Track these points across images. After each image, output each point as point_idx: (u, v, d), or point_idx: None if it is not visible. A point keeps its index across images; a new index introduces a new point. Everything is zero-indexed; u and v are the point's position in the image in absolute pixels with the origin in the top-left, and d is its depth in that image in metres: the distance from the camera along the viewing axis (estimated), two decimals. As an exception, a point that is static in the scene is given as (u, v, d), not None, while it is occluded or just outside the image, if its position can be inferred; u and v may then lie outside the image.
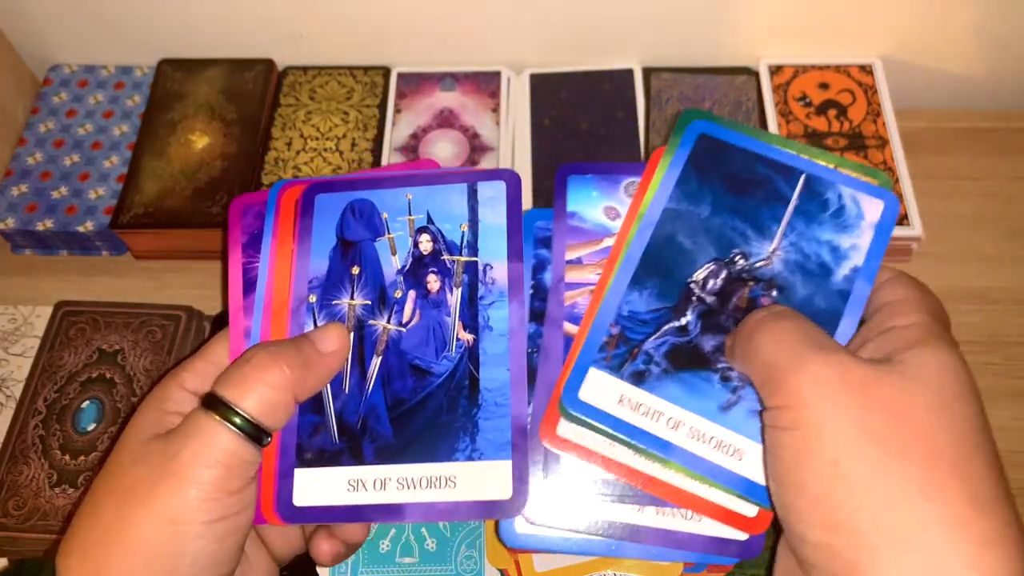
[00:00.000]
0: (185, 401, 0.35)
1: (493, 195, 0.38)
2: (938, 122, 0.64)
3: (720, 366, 0.35)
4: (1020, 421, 0.51)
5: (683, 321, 0.36)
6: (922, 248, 0.57)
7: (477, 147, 0.60)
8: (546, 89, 0.63)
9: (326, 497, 0.34)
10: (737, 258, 0.37)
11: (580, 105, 0.62)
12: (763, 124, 0.60)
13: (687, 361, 0.36)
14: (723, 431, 0.34)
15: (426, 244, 0.38)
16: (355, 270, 0.37)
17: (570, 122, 0.61)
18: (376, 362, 0.36)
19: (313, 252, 0.38)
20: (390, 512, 0.34)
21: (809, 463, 0.27)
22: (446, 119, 0.61)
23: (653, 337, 0.36)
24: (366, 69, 0.65)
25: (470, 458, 0.35)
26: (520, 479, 0.35)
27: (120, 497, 0.31)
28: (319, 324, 0.37)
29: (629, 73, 0.63)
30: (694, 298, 0.37)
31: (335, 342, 0.35)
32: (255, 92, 0.63)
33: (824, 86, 0.61)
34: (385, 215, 0.38)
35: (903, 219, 0.55)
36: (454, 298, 0.37)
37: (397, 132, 0.61)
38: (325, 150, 0.61)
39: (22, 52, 0.67)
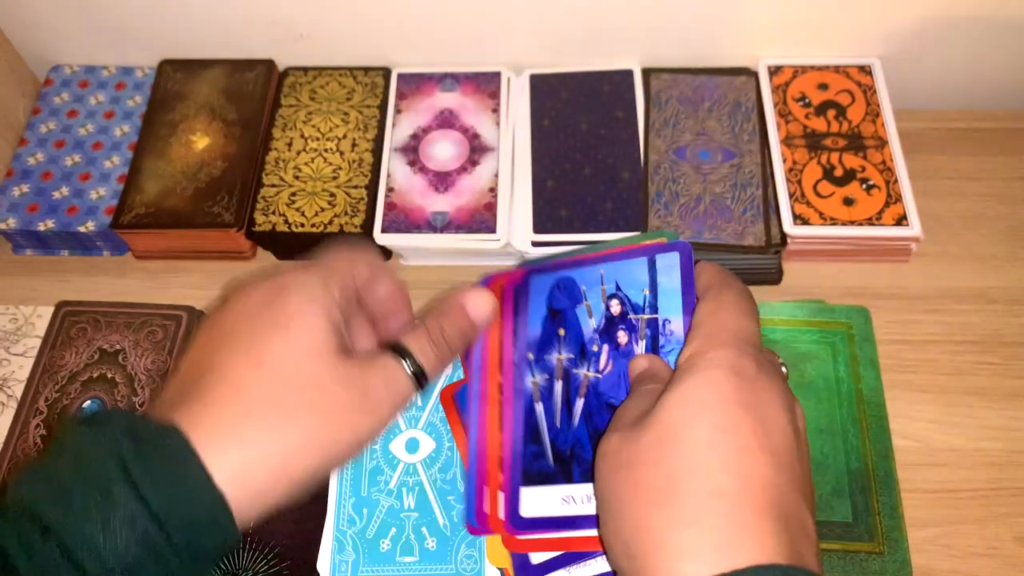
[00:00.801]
0: (342, 320, 0.37)
1: (669, 264, 0.44)
2: (937, 122, 0.64)
3: None
4: (1019, 421, 0.51)
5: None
6: (921, 248, 0.57)
7: (477, 147, 0.60)
8: (546, 89, 0.63)
9: (546, 510, 0.41)
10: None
11: (580, 105, 0.62)
12: (762, 124, 0.60)
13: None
14: None
15: (616, 307, 0.45)
16: (561, 332, 0.46)
17: (570, 122, 0.61)
18: (580, 403, 0.44)
19: (531, 322, 0.47)
20: (596, 521, 0.39)
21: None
22: (446, 119, 0.62)
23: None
24: (366, 70, 0.65)
25: None
26: None
27: (314, 406, 0.34)
28: (533, 372, 0.45)
29: (629, 74, 0.63)
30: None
31: (486, 311, 0.42)
32: (256, 93, 0.63)
33: (823, 86, 0.61)
34: (583, 287, 0.46)
35: (902, 219, 0.55)
36: (639, 348, 0.43)
37: (397, 132, 0.61)
38: (326, 150, 0.61)
39: (23, 52, 0.67)
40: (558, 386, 0.44)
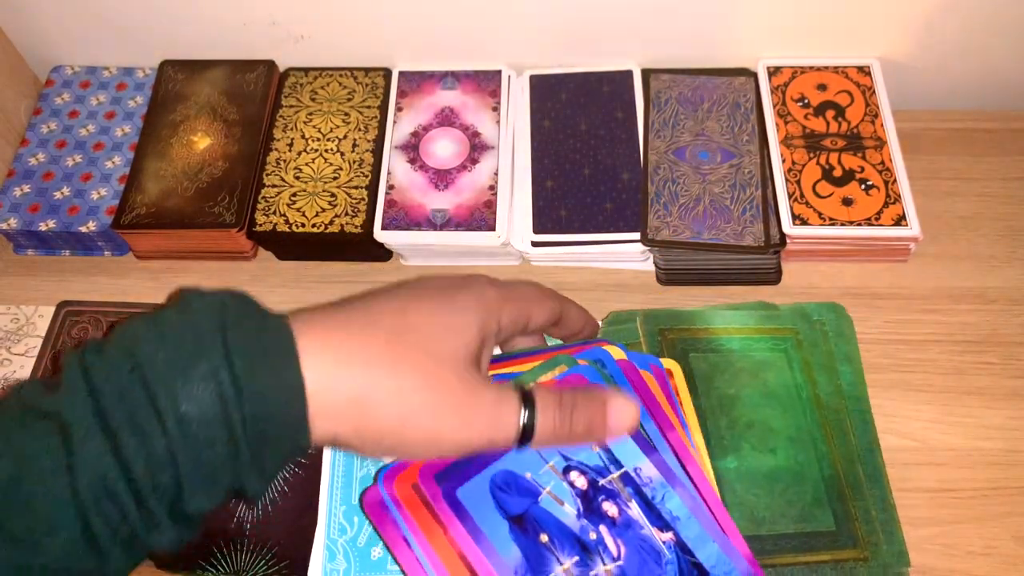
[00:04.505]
0: (492, 338, 0.38)
1: None
2: (936, 123, 0.64)
3: None
4: (1018, 421, 0.51)
5: None
6: (920, 248, 0.57)
7: (477, 146, 0.60)
8: (546, 90, 0.63)
9: None
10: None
11: (580, 106, 0.62)
12: (761, 125, 0.60)
13: None
14: None
15: (579, 480, 0.39)
16: (544, 538, 0.38)
17: (570, 122, 0.61)
18: None
19: (498, 546, 0.38)
20: None
21: None
22: (447, 117, 0.62)
23: None
24: (367, 70, 0.65)
25: None
26: None
27: (425, 383, 0.34)
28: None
29: (628, 74, 0.63)
30: None
31: (625, 425, 0.38)
32: (256, 93, 0.64)
33: (822, 87, 0.61)
34: (527, 474, 0.39)
35: (901, 219, 0.55)
36: (635, 511, 0.38)
37: (398, 130, 0.61)
38: (326, 151, 0.61)
39: (24, 53, 0.67)
40: None
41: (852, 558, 0.45)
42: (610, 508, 0.38)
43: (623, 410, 0.38)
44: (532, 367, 0.41)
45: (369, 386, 0.33)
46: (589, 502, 0.39)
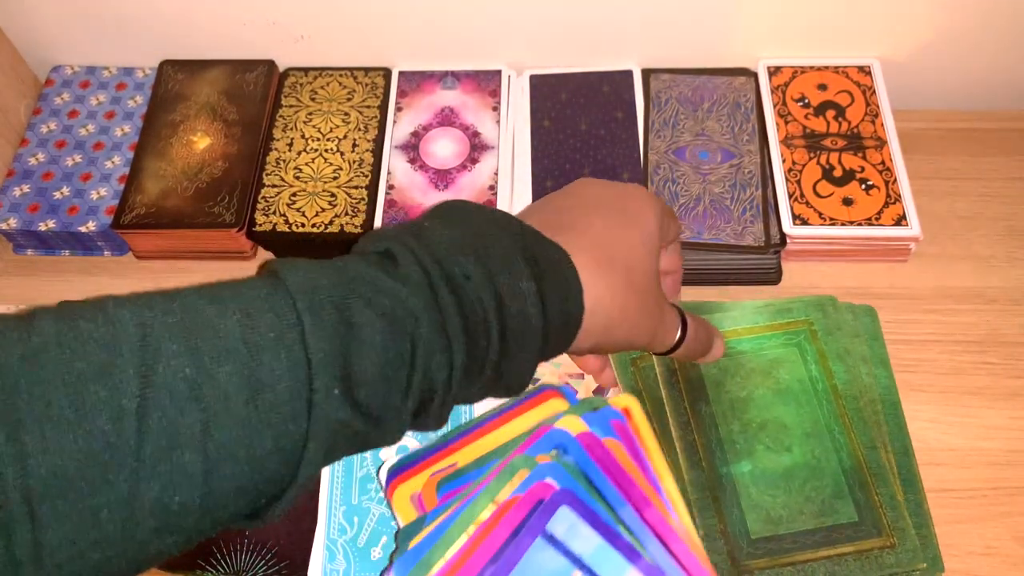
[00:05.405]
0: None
1: (568, 524, 0.39)
2: (936, 122, 0.64)
3: None
4: (1019, 421, 0.51)
5: None
6: (920, 248, 0.57)
7: (477, 145, 0.60)
8: (546, 90, 0.63)
9: None
10: None
11: (580, 105, 0.62)
12: (762, 125, 0.60)
13: None
14: None
15: None
16: None
17: (570, 122, 0.61)
18: None
19: None
20: None
21: None
22: (447, 117, 0.62)
23: None
24: (367, 70, 0.65)
25: None
26: None
27: (643, 287, 0.40)
28: None
29: (628, 74, 0.63)
30: None
31: (718, 354, 0.48)
32: (256, 93, 0.64)
33: (822, 87, 0.61)
34: None
35: (901, 219, 0.55)
36: None
37: (398, 129, 0.61)
38: (326, 151, 0.61)
39: (24, 53, 0.67)
40: None
41: (877, 547, 0.45)
42: None
43: (721, 345, 0.48)
44: (489, 483, 0.41)
45: (614, 309, 0.38)
46: None
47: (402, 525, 0.43)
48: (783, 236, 0.55)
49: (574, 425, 0.43)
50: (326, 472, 0.49)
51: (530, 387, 0.45)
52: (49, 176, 0.61)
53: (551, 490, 0.40)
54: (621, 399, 0.46)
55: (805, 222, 0.55)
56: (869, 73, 0.62)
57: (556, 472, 0.40)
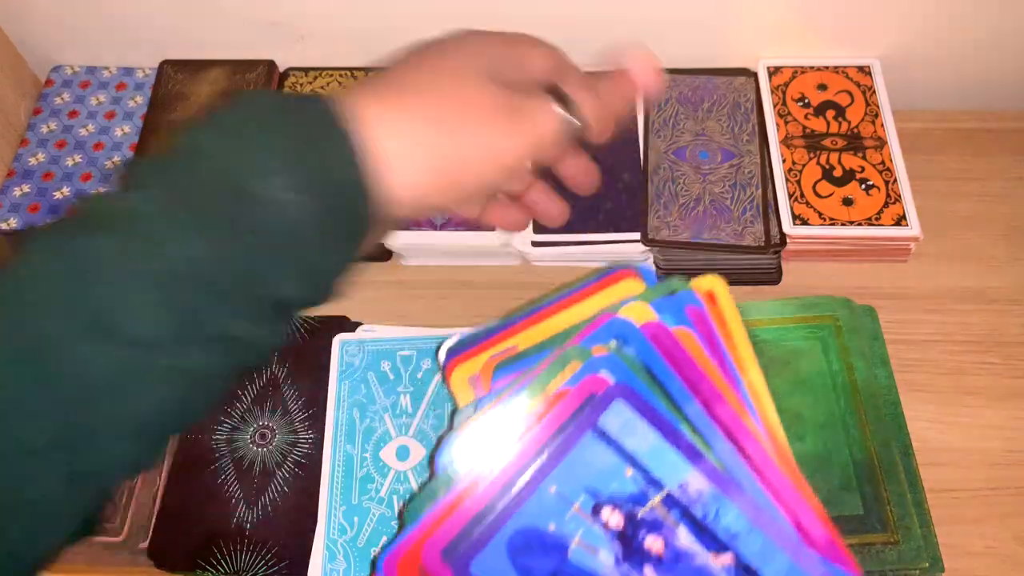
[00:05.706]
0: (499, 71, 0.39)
1: (623, 420, 0.35)
2: (936, 122, 0.64)
3: None
4: (1019, 421, 0.51)
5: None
6: (920, 248, 0.57)
7: (477, 148, 0.60)
8: (546, 90, 0.63)
9: None
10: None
11: (580, 106, 0.62)
12: (762, 125, 0.60)
13: None
14: None
15: (613, 517, 0.33)
16: None
17: (570, 123, 0.61)
18: None
19: None
20: None
21: None
22: (446, 120, 0.62)
23: None
24: (367, 70, 0.65)
25: None
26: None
27: (463, 103, 0.36)
28: None
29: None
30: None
31: (649, 73, 0.40)
32: (256, 93, 0.64)
33: (822, 87, 0.61)
34: (551, 525, 0.33)
35: (901, 219, 0.55)
36: (684, 539, 0.32)
37: (398, 133, 0.61)
38: (326, 151, 0.61)
39: (24, 53, 0.67)
40: None
41: (881, 542, 0.45)
42: (654, 543, 0.34)
43: (640, 59, 0.40)
44: (540, 373, 0.38)
45: (432, 144, 0.33)
46: (628, 542, 0.34)
47: (459, 407, 0.41)
48: (783, 236, 0.55)
49: (640, 313, 0.38)
50: (326, 472, 0.49)
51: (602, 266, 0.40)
52: (49, 176, 0.61)
53: (604, 384, 0.36)
54: (704, 281, 0.41)
55: (805, 222, 0.55)
56: (869, 73, 0.62)
57: (612, 365, 0.37)
